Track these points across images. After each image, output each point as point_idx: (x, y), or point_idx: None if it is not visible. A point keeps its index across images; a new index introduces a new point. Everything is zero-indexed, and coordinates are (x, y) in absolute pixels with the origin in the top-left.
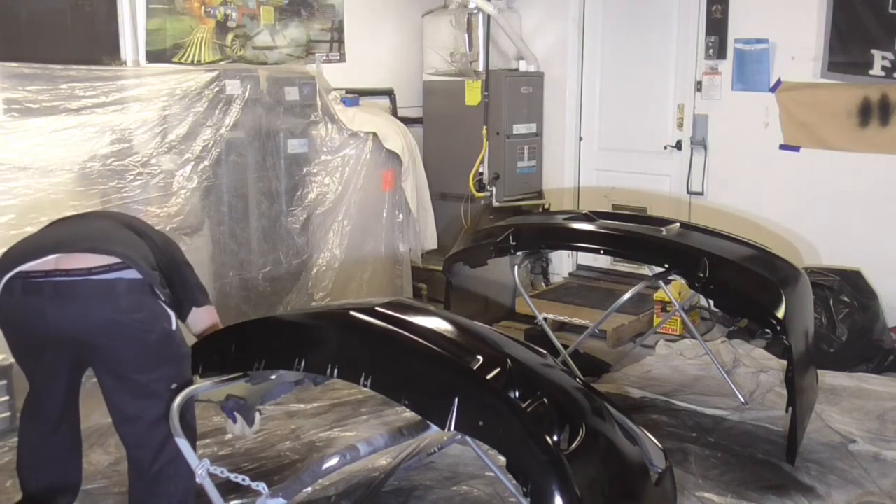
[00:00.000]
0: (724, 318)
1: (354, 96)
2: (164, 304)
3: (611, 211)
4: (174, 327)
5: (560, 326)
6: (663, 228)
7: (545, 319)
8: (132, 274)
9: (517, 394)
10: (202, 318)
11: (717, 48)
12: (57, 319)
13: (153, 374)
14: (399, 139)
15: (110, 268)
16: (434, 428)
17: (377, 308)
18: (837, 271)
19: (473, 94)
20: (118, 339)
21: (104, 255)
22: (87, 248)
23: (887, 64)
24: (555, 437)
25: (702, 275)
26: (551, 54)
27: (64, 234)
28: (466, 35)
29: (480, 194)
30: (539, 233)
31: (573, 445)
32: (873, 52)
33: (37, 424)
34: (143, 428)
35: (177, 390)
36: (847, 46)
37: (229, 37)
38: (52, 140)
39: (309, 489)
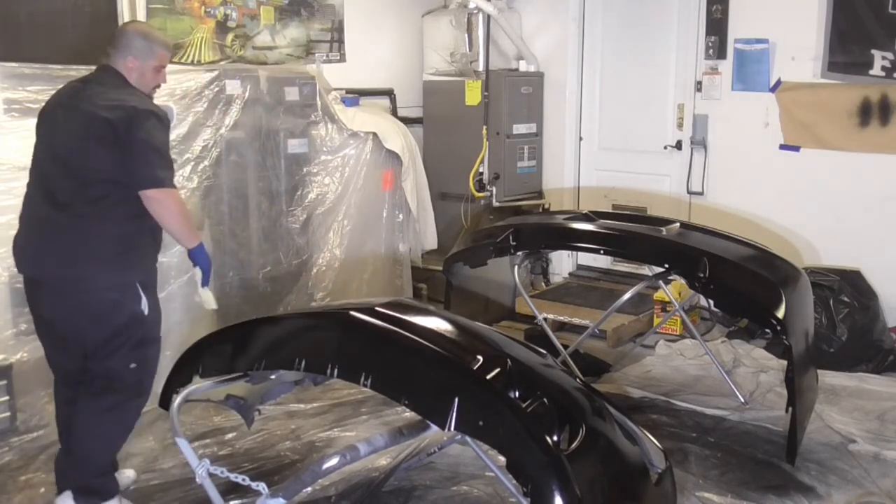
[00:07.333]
0: (724, 318)
1: (354, 96)
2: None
3: (611, 211)
4: (145, 311)
5: (560, 326)
6: (663, 228)
7: (545, 319)
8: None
9: (517, 394)
10: (149, 205)
11: (717, 48)
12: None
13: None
14: (399, 139)
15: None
16: (434, 428)
17: (377, 308)
18: (837, 271)
19: (473, 94)
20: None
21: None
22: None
23: (887, 64)
24: (555, 437)
25: (702, 275)
26: (551, 54)
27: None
28: (466, 35)
29: (480, 194)
30: (539, 233)
31: (573, 445)
32: (873, 52)
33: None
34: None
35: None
36: (847, 46)
37: (229, 37)
38: None
39: (309, 489)
